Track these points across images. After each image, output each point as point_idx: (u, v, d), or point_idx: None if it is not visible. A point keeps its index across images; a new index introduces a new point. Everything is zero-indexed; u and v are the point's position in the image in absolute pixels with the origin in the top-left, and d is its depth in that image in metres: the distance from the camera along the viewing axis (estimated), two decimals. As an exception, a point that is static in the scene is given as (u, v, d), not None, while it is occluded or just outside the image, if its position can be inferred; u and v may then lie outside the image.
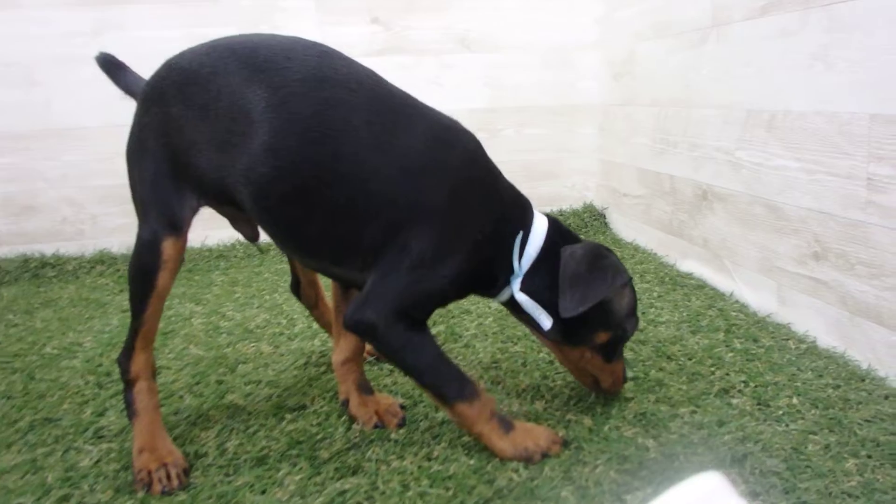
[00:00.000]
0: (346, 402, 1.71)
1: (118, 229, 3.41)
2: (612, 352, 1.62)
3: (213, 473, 1.47)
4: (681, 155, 2.81)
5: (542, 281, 1.54)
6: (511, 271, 1.55)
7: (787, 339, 2.06)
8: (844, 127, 1.87)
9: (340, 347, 1.74)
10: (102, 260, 3.26)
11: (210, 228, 3.40)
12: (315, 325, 2.27)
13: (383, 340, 1.44)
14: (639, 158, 3.21)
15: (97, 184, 3.35)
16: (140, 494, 1.41)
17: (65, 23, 3.19)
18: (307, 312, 2.07)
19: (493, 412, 1.50)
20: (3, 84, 3.22)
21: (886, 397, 1.69)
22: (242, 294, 2.79)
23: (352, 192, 1.41)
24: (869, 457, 1.44)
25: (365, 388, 1.72)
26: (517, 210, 1.59)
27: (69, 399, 1.86)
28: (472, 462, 1.47)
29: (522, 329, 2.23)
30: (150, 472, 1.43)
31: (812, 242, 2.03)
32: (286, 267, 3.09)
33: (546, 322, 1.54)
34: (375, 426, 1.64)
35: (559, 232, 1.61)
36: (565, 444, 1.53)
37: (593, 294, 1.47)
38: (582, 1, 3.67)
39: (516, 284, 1.55)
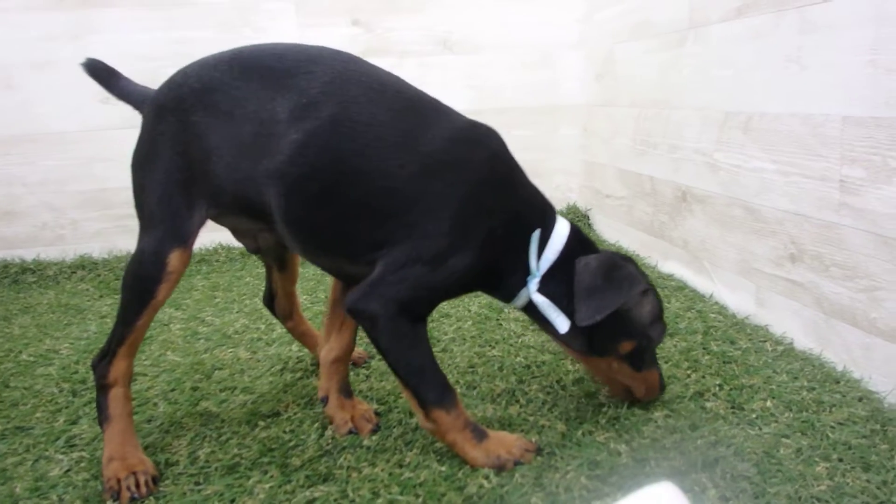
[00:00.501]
0: (325, 399, 1.71)
1: (98, 234, 3.40)
2: (639, 360, 1.62)
3: (183, 482, 1.46)
4: (661, 156, 2.81)
5: (559, 287, 1.54)
6: (527, 272, 1.54)
7: (765, 341, 2.06)
8: (818, 129, 1.87)
9: (331, 345, 1.74)
10: (83, 265, 3.25)
11: (192, 232, 3.40)
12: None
13: (382, 332, 1.44)
14: (620, 159, 3.21)
15: (77, 189, 3.34)
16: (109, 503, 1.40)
17: (42, 26, 3.17)
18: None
19: (466, 422, 1.50)
20: (-20, 88, 3.20)
21: (860, 399, 1.69)
22: (223, 299, 2.78)
23: (375, 188, 1.43)
24: (840, 460, 1.44)
25: (345, 392, 1.72)
26: (536, 211, 1.58)
27: (42, 407, 1.85)
28: (443, 469, 1.47)
29: (500, 333, 2.23)
30: (119, 481, 1.42)
31: (788, 244, 2.03)
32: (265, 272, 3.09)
33: (562, 325, 1.52)
34: (349, 431, 1.63)
35: (579, 239, 1.60)
36: (538, 451, 1.52)
37: (608, 304, 1.48)
38: (564, 2, 3.67)
39: (533, 285, 1.54)
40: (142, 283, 1.50)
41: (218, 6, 3.34)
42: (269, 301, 1.99)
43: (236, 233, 1.74)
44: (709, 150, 2.43)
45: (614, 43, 3.23)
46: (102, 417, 1.52)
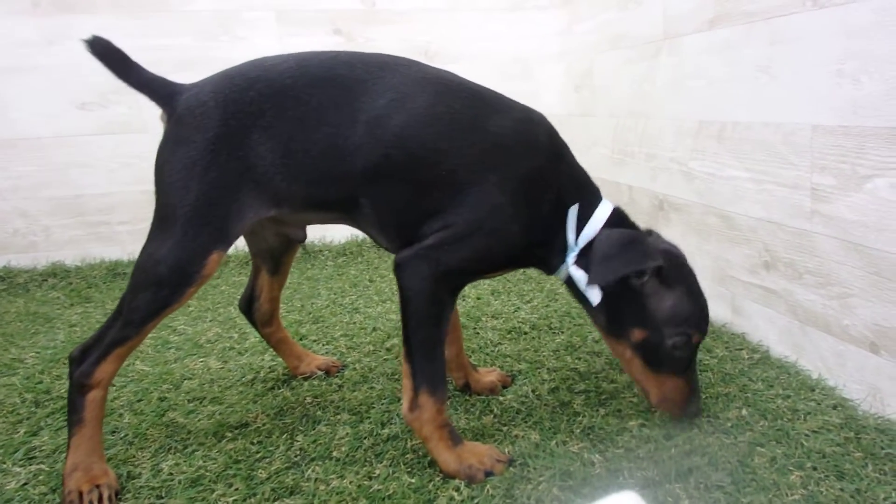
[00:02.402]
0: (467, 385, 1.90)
1: (71, 242, 3.35)
2: (653, 357, 1.58)
3: (145, 496, 1.43)
4: (638, 165, 2.80)
5: None
6: (566, 247, 1.61)
7: (741, 349, 2.06)
8: (789, 137, 1.87)
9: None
10: (55, 273, 3.20)
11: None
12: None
13: (419, 293, 1.48)
14: (598, 169, 3.19)
15: (50, 195, 3.29)
16: (67, 517, 1.37)
17: (18, 31, 3.13)
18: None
19: (446, 422, 1.50)
20: (-47, 94, 3.16)
21: (835, 407, 1.69)
22: (196, 307, 2.75)
23: (450, 165, 1.51)
24: (814, 469, 1.43)
25: (472, 367, 1.93)
26: (581, 189, 1.64)
27: (2, 419, 1.81)
28: (412, 481, 1.45)
29: (477, 342, 2.22)
30: (81, 494, 1.39)
31: (762, 252, 2.02)
32: (243, 279, 3.06)
33: (594, 297, 1.57)
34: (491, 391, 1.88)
35: (620, 219, 1.65)
36: (510, 462, 1.51)
37: (619, 268, 1.50)
38: (544, 14, 3.69)
39: (571, 258, 1.60)
40: (167, 286, 1.45)
41: (197, 14, 3.31)
42: (247, 306, 1.96)
43: (284, 225, 1.79)
44: (684, 159, 2.43)
45: (593, 54, 3.23)
46: (75, 419, 1.46)
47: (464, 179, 1.50)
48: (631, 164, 2.88)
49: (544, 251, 1.63)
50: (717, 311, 2.30)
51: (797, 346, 1.94)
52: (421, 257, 1.47)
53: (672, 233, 2.54)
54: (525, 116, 1.62)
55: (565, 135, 1.67)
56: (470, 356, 2.10)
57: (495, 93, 1.64)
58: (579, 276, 1.58)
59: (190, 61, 3.24)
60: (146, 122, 3.29)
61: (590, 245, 1.57)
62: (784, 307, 1.97)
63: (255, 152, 1.49)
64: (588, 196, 1.63)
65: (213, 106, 1.50)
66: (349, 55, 1.58)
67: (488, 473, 1.46)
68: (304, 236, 1.87)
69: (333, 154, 1.50)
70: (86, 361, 1.47)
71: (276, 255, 1.90)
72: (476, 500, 1.37)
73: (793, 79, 1.86)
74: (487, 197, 1.50)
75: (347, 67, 1.54)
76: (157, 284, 1.45)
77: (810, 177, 1.81)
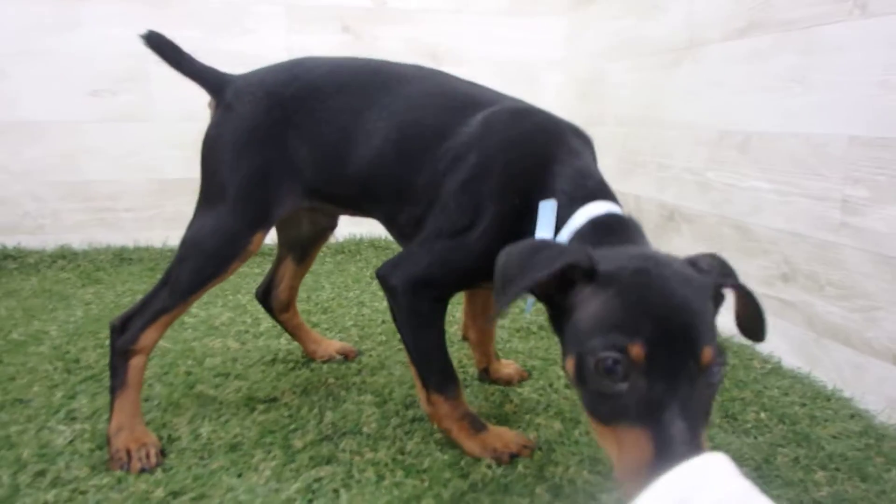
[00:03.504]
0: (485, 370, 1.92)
1: (78, 226, 3.35)
2: (586, 397, 1.05)
3: (188, 457, 1.46)
4: (647, 175, 2.83)
5: None
6: None
7: (752, 359, 2.08)
8: (820, 149, 1.90)
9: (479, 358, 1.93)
10: (63, 255, 3.20)
11: (171, 229, 3.38)
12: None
13: (399, 306, 1.47)
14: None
15: (59, 179, 3.29)
16: (118, 473, 1.40)
17: (33, 16, 3.14)
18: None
19: (465, 413, 1.51)
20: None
21: (852, 416, 1.72)
22: (205, 294, 2.75)
23: (427, 173, 1.49)
24: (837, 469, 1.46)
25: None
26: (569, 192, 1.35)
27: (38, 382, 1.83)
28: (445, 457, 1.47)
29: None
30: (129, 452, 1.43)
31: (781, 263, 2.05)
32: (246, 270, 3.08)
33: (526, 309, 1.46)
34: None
35: (606, 224, 1.30)
36: (536, 449, 1.53)
37: (511, 290, 1.07)
38: (549, 20, 3.71)
39: None
40: (214, 258, 1.53)
41: (208, 6, 3.32)
42: (264, 294, 2.01)
43: (314, 213, 1.85)
44: (700, 169, 2.46)
45: (601, 62, 3.26)
46: (117, 383, 1.51)
47: (432, 188, 1.47)
48: (640, 173, 2.90)
49: None
50: (727, 322, 2.32)
51: (811, 358, 1.97)
52: (394, 269, 1.46)
53: (682, 243, 2.57)
54: (492, 118, 1.47)
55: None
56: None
57: (492, 99, 1.56)
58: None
59: (196, 52, 3.23)
60: (155, 112, 3.31)
61: None
62: (800, 319, 2.00)
63: (292, 144, 1.56)
64: (571, 196, 1.34)
65: (260, 97, 1.58)
66: (379, 64, 1.64)
67: (513, 456, 1.48)
68: (336, 224, 1.93)
69: (341, 157, 1.55)
70: (129, 329, 1.52)
71: (305, 244, 1.96)
72: (509, 478, 1.40)
73: (829, 89, 1.88)
74: (448, 203, 1.44)
75: (371, 76, 1.60)
76: (205, 256, 1.53)
77: (842, 189, 1.83)
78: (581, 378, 1.04)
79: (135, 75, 3.25)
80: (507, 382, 1.91)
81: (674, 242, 2.65)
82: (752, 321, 1.25)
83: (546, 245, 1.15)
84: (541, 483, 1.38)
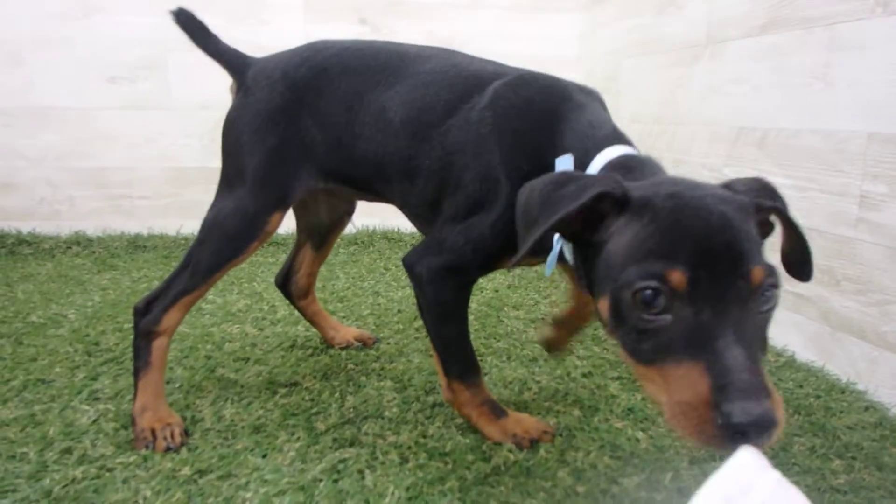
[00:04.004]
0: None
1: (93, 212, 3.38)
2: (626, 337, 0.97)
3: (212, 437, 1.49)
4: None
5: None
6: None
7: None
8: (840, 145, 1.91)
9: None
10: (78, 241, 3.23)
11: (186, 218, 3.40)
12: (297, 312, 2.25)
13: (424, 294, 1.47)
14: (620, 175, 3.23)
15: (75, 166, 3.32)
16: (143, 452, 1.42)
17: (53, 4, 3.16)
18: (287, 302, 2.11)
19: (486, 400, 1.53)
20: (-11, 61, 3.19)
21: (867, 408, 1.73)
22: (220, 281, 2.76)
23: (439, 152, 1.47)
24: (853, 458, 1.47)
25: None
26: (579, 145, 1.31)
27: (60, 364, 1.85)
28: (467, 441, 1.49)
29: (503, 328, 2.26)
30: (154, 431, 1.45)
31: (797, 258, 2.06)
32: (260, 259, 3.10)
33: (548, 270, 1.24)
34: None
35: (625, 165, 1.23)
36: (556, 436, 1.54)
37: (538, 228, 1.01)
38: (566, 16, 3.72)
39: None
40: (234, 239, 1.55)
41: (226, -6, 3.35)
42: (284, 281, 2.03)
43: (332, 197, 1.87)
44: (718, 166, 2.46)
45: (617, 59, 3.27)
46: (141, 364, 1.53)
47: (444, 167, 1.45)
48: (657, 171, 2.88)
49: None
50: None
51: (825, 352, 1.98)
52: (418, 257, 1.46)
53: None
54: (498, 92, 1.44)
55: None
56: (497, 341, 2.15)
57: (503, 69, 1.57)
58: (560, 243, 1.22)
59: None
60: (172, 100, 3.33)
61: None
62: (815, 313, 2.01)
63: (305, 125, 1.57)
64: (585, 149, 1.29)
65: (277, 79, 1.59)
66: (386, 45, 1.64)
67: (533, 441, 1.50)
68: (353, 210, 1.95)
69: (350, 137, 1.56)
70: (152, 311, 1.55)
71: (323, 231, 1.97)
72: (531, 462, 1.42)
73: (850, 86, 1.89)
74: (461, 183, 1.41)
75: (377, 58, 1.59)
76: (225, 237, 1.55)
77: (861, 184, 1.84)
78: (618, 317, 0.96)
79: (153, 63, 3.26)
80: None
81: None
82: (797, 255, 1.17)
83: (571, 177, 1.06)
84: (563, 467, 1.40)
